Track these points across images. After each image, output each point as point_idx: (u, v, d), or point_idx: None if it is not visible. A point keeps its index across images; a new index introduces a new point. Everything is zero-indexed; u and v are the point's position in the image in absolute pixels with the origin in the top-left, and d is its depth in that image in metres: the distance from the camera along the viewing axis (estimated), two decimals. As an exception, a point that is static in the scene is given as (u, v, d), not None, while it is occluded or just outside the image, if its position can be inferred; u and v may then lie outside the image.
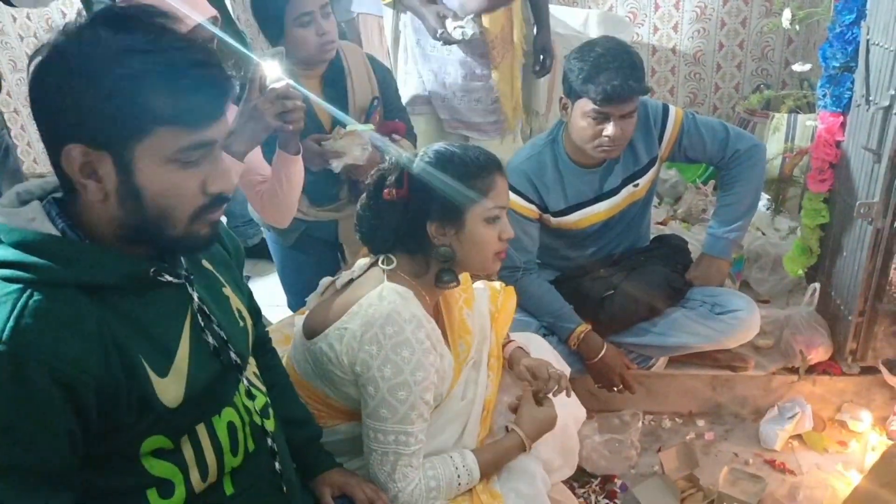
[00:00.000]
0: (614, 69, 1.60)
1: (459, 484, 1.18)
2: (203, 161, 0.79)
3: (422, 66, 2.27)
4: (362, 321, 1.12)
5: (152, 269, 0.81)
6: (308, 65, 1.78)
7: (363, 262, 1.26)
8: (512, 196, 1.85)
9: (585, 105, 1.65)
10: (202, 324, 0.86)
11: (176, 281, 0.83)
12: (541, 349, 1.54)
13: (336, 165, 1.71)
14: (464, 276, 1.40)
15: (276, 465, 0.99)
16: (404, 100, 2.15)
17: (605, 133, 1.66)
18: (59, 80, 0.72)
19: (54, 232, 0.78)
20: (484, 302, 1.47)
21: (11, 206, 0.79)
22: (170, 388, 0.81)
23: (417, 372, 1.12)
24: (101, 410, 0.75)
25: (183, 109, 0.74)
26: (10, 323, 0.70)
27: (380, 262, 1.21)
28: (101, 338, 0.75)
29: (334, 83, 1.83)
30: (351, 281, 1.23)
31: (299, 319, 1.30)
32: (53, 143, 0.75)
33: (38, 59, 0.73)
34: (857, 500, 0.92)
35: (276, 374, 1.15)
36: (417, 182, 1.16)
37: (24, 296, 0.72)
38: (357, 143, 1.70)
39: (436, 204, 1.15)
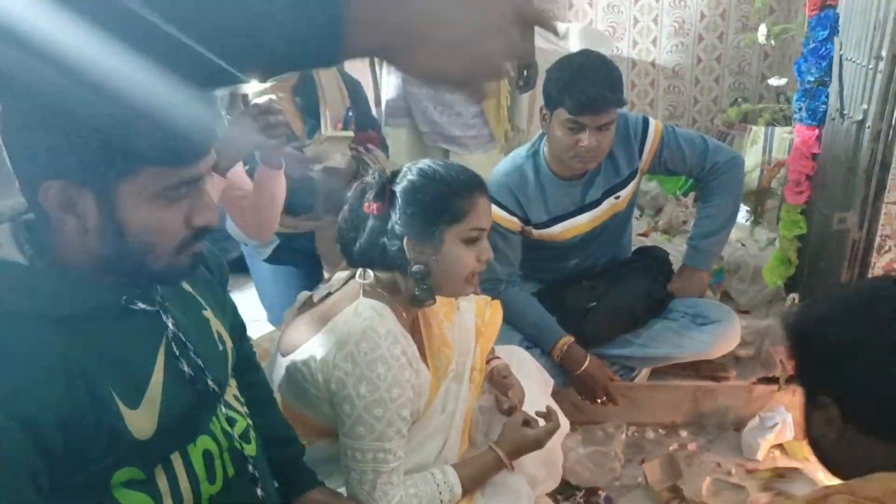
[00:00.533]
0: (590, 80, 1.62)
1: (441, 501, 1.18)
2: (188, 195, 0.77)
3: (403, 78, 2.29)
4: (337, 338, 1.11)
5: (124, 298, 0.78)
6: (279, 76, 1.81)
7: (341, 275, 1.25)
8: (494, 208, 1.85)
9: (561, 115, 1.67)
10: (177, 352, 0.83)
11: (149, 308, 0.81)
12: (524, 362, 1.54)
13: (317, 169, 1.71)
14: None
15: (259, 491, 0.96)
16: (384, 111, 2.17)
17: (580, 143, 1.68)
18: (38, 118, 0.69)
19: (21, 260, 0.75)
20: (469, 315, 1.47)
21: None
22: (141, 420, 0.78)
23: (393, 389, 1.10)
24: (68, 446, 0.72)
25: (170, 149, 0.73)
26: None
27: (357, 276, 1.20)
28: (66, 371, 0.72)
29: (305, 93, 1.87)
30: (328, 295, 1.22)
31: (278, 335, 1.29)
32: (30, 178, 0.72)
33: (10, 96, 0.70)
34: None
35: (260, 391, 1.13)
36: (398, 198, 1.16)
37: None
38: (337, 148, 1.72)
39: (414, 222, 1.15)
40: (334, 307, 1.17)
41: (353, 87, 1.98)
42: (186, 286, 0.92)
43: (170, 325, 0.83)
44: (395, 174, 1.20)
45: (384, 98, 2.36)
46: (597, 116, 1.64)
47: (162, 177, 0.73)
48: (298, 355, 1.15)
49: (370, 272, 1.20)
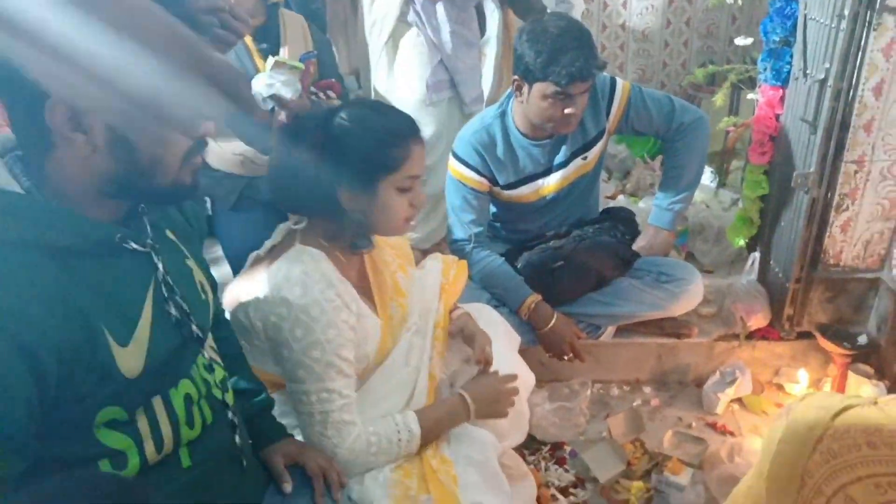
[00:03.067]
0: (574, 50, 1.61)
1: (399, 440, 1.18)
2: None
3: (448, 52, 2.27)
4: (272, 285, 1.12)
5: (118, 235, 0.79)
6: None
7: (282, 227, 1.25)
8: (462, 169, 1.86)
9: (547, 88, 1.65)
10: (165, 294, 0.84)
11: (141, 249, 0.82)
12: (491, 320, 1.55)
13: (261, 92, 1.66)
14: (400, 241, 1.41)
15: (237, 438, 0.98)
16: (428, 88, 2.26)
17: (567, 110, 1.68)
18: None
19: (18, 190, 0.74)
20: (435, 274, 1.48)
21: None
22: (130, 359, 0.79)
23: (329, 330, 1.12)
24: (60, 377, 0.73)
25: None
26: None
27: (292, 224, 1.21)
28: (63, 303, 0.72)
29: (267, 37, 1.90)
30: (273, 249, 1.22)
31: None
32: (30, 102, 0.71)
33: None
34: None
35: (230, 345, 1.14)
36: (330, 147, 1.13)
37: None
38: (285, 75, 1.67)
39: (349, 173, 1.13)
40: (272, 257, 1.17)
41: (321, 42, 1.98)
42: (171, 235, 0.93)
43: (160, 266, 0.84)
44: (326, 119, 1.16)
45: (426, 79, 2.28)
46: (584, 83, 1.65)
47: None
48: (239, 307, 1.16)
49: (304, 219, 1.20)
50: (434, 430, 1.23)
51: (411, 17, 2.26)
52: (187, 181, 0.82)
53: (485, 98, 2.43)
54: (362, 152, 1.13)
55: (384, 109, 1.19)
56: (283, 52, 1.90)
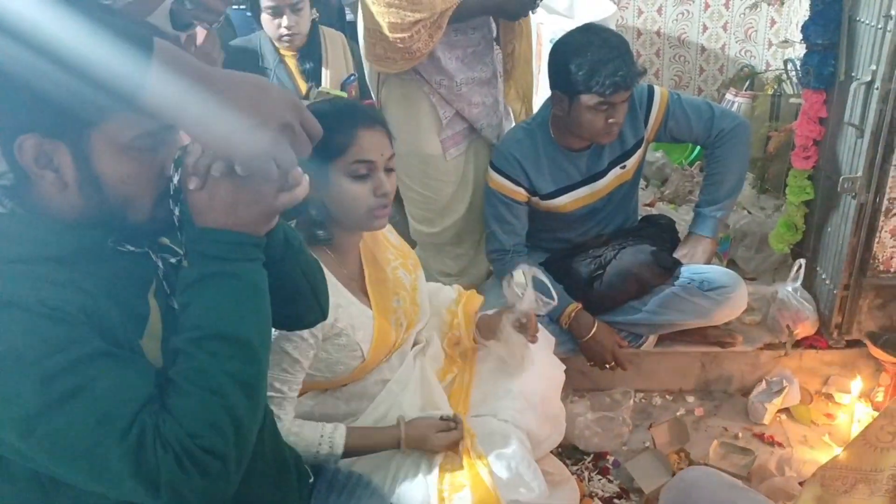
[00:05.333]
0: (616, 60, 1.62)
1: (318, 452, 1.18)
2: (162, 147, 0.77)
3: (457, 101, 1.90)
4: None
5: (110, 240, 0.79)
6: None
7: None
8: (500, 179, 1.88)
9: (591, 100, 1.66)
10: (168, 291, 0.84)
11: (137, 250, 0.82)
12: None
13: None
14: (403, 244, 1.45)
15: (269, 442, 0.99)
16: (432, 138, 1.90)
17: (611, 120, 1.70)
18: (4, 72, 0.69)
19: (1, 211, 0.76)
20: (447, 290, 1.56)
21: None
22: (149, 348, 0.80)
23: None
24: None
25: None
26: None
27: None
28: (86, 301, 0.74)
29: (310, 57, 1.95)
30: None
31: None
32: (3, 135, 0.73)
33: None
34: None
35: None
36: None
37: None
38: None
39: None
40: None
41: (361, 58, 1.97)
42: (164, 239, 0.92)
43: (159, 264, 0.84)
44: None
45: (439, 138, 1.92)
46: (627, 92, 1.66)
47: (131, 126, 0.74)
48: None
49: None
50: (360, 450, 1.22)
51: (405, 74, 1.82)
52: (164, 218, 0.80)
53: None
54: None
55: (338, 102, 1.23)
56: (325, 76, 1.95)
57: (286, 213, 1.21)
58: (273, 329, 1.06)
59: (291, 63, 2.00)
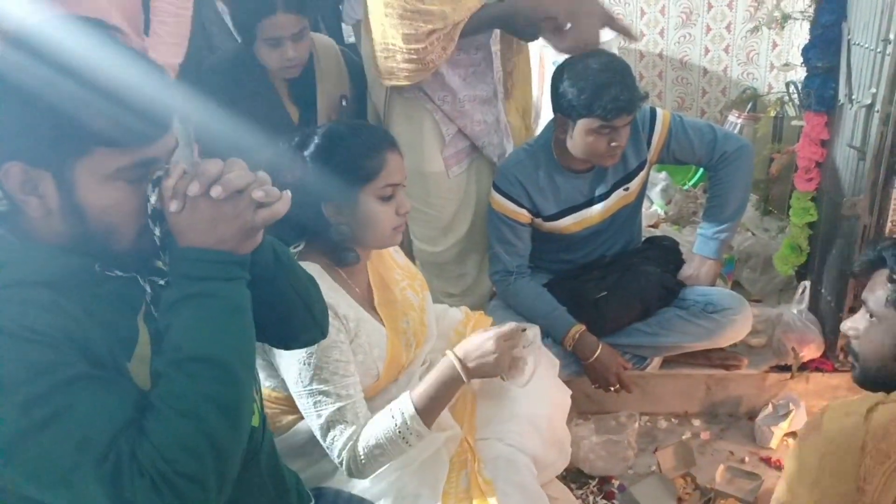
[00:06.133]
0: (617, 84, 1.63)
1: (397, 429, 1.14)
2: (145, 178, 0.78)
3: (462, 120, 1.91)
4: None
5: (97, 265, 0.80)
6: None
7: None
8: (504, 201, 1.88)
9: (592, 123, 1.67)
10: (156, 315, 0.84)
11: (125, 275, 0.82)
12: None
13: None
14: (409, 264, 1.46)
15: (263, 458, 0.99)
16: (434, 155, 1.91)
17: (613, 143, 1.70)
18: None
19: None
20: (454, 311, 1.55)
21: None
22: (138, 371, 0.80)
23: None
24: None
25: (122, 130, 0.74)
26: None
27: (291, 248, 1.26)
28: (67, 327, 0.74)
29: (302, 83, 1.88)
30: None
31: None
32: None
33: None
34: None
35: None
36: (311, 166, 1.20)
37: None
38: None
39: (328, 186, 1.18)
40: None
41: (356, 70, 1.96)
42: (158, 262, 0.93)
43: (147, 288, 0.84)
44: (303, 141, 1.23)
45: (441, 156, 1.93)
46: (629, 116, 1.67)
47: (115, 158, 0.75)
48: None
49: (301, 243, 1.26)
50: (431, 402, 1.17)
51: (409, 91, 1.84)
52: (148, 248, 0.81)
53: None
54: (340, 166, 1.19)
55: (357, 125, 1.25)
56: (319, 91, 1.89)
57: (288, 235, 1.24)
58: (315, 352, 1.10)
59: (280, 86, 1.90)
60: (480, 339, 1.20)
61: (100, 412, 0.71)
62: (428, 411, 1.16)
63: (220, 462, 0.74)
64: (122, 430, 0.71)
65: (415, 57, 1.70)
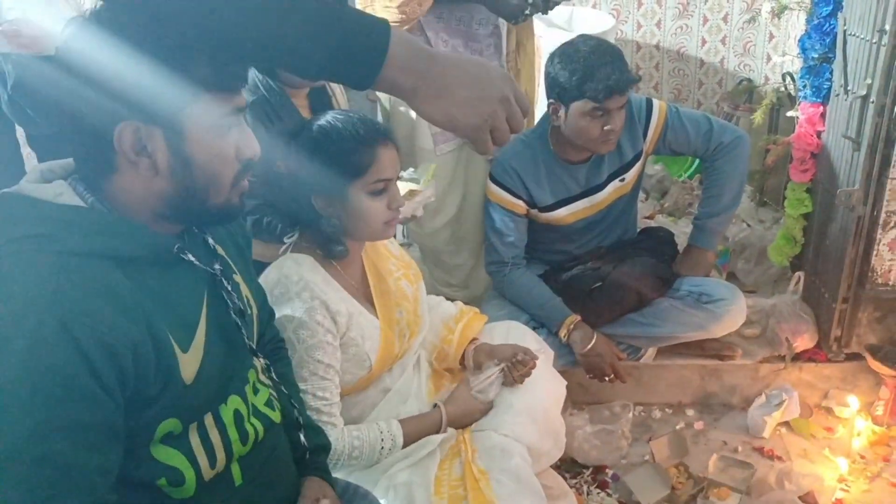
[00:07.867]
0: (608, 64, 1.63)
1: (382, 448, 1.22)
2: (234, 128, 0.82)
3: None
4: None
5: (176, 247, 0.83)
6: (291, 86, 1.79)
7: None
8: (500, 191, 1.88)
9: (585, 105, 1.67)
10: (219, 306, 0.87)
11: (197, 263, 0.85)
12: (522, 335, 1.56)
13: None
14: (403, 254, 1.46)
15: (286, 452, 1.00)
16: (434, 140, 1.94)
17: (606, 127, 1.69)
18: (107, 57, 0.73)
19: (83, 205, 0.79)
20: (447, 305, 1.55)
21: (37, 183, 0.80)
22: (189, 365, 0.82)
23: (300, 330, 1.15)
24: (137, 378, 0.76)
25: (223, 75, 0.78)
26: (51, 288, 0.71)
27: (285, 238, 1.28)
28: (134, 308, 0.76)
29: (320, 100, 1.84)
30: None
31: None
32: (100, 127, 0.76)
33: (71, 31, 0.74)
34: None
35: (288, 384, 1.12)
36: (302, 157, 1.19)
37: (60, 264, 0.73)
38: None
39: (319, 179, 1.18)
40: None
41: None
42: (220, 250, 0.95)
43: (219, 276, 0.88)
44: (296, 132, 1.22)
45: (429, 130, 1.96)
46: (621, 97, 1.66)
47: (219, 104, 0.79)
48: None
49: (295, 233, 1.27)
50: (411, 440, 1.27)
51: None
52: (235, 202, 0.86)
53: None
54: (330, 160, 1.17)
55: (351, 118, 1.22)
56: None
57: (282, 224, 1.24)
58: (296, 344, 1.14)
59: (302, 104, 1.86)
60: (471, 406, 1.35)
61: (81, 473, 0.71)
62: (406, 441, 1.27)
63: None
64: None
65: (392, 6, 1.71)
